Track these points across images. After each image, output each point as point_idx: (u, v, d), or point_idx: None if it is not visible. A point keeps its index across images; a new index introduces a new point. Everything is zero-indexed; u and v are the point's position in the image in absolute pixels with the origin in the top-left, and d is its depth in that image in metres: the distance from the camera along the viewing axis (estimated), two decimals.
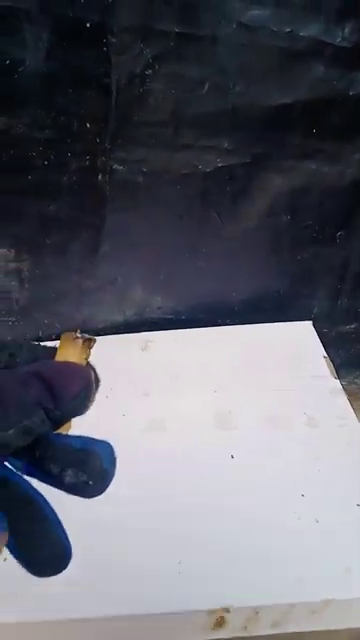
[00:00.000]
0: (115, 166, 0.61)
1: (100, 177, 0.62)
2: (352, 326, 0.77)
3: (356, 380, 0.80)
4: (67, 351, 0.31)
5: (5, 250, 0.66)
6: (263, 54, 0.57)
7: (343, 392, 0.62)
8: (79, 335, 0.32)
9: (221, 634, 0.45)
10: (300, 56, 0.57)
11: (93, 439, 0.27)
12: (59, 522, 0.25)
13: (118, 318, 0.74)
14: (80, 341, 0.32)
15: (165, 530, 0.49)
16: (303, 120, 0.61)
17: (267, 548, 0.48)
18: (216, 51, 0.56)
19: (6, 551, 0.47)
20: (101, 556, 0.46)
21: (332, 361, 0.68)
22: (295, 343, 0.69)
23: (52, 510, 0.25)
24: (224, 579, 0.46)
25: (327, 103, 0.60)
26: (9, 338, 0.72)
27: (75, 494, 0.25)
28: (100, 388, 0.70)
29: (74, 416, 0.27)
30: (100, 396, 0.67)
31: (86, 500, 0.40)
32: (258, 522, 0.50)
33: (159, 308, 0.74)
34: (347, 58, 0.58)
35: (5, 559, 0.55)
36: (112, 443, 0.57)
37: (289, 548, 0.48)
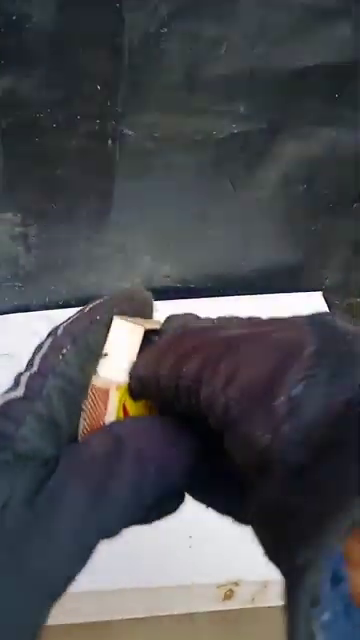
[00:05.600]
0: (125, 131, 0.58)
1: (110, 142, 0.59)
2: None
3: None
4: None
5: (11, 214, 0.64)
6: (286, 13, 0.53)
7: None
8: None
9: (230, 605, 0.47)
10: (326, 15, 0.53)
11: None
12: None
13: (125, 285, 0.73)
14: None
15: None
16: (325, 85, 0.58)
17: None
18: (236, 9, 0.52)
19: None
20: None
21: None
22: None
23: None
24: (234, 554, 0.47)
25: (352, 67, 0.57)
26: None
27: None
28: None
29: None
30: None
31: None
32: None
33: (167, 276, 0.72)
34: None
35: None
36: None
37: None
